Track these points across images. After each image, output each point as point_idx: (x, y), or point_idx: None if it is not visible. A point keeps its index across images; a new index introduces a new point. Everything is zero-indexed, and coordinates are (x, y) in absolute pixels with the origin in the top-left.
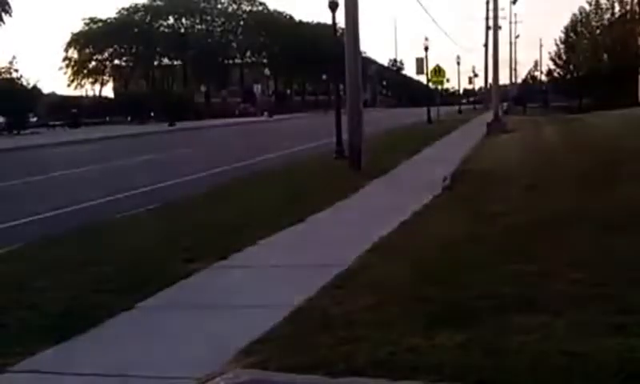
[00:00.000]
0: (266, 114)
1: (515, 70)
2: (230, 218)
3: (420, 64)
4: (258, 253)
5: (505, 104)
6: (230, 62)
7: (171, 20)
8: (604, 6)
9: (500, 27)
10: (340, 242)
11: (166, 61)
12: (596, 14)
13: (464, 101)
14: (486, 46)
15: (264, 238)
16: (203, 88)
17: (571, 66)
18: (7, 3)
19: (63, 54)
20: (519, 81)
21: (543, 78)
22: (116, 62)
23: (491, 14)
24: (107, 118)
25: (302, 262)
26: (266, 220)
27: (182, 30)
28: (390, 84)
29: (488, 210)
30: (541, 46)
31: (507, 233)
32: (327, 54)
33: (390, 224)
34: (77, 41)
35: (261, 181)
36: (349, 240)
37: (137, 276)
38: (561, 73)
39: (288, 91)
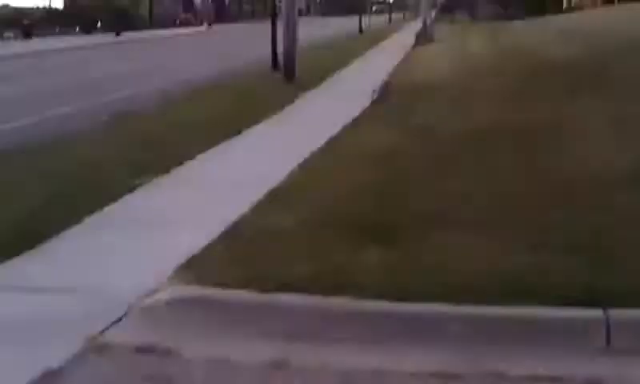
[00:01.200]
0: (205, 24)
1: None
2: (169, 132)
3: None
4: (197, 167)
5: (433, 13)
6: None
7: None
8: None
9: None
10: (272, 158)
11: None
12: None
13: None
14: None
15: (202, 152)
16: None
17: None
18: None
19: None
20: None
21: None
22: None
23: None
24: (57, 29)
25: (236, 178)
26: (204, 134)
27: None
28: None
29: (412, 122)
30: None
31: (429, 147)
32: None
33: (321, 138)
34: None
35: (201, 95)
36: (282, 155)
37: None
38: None
39: (227, 1)
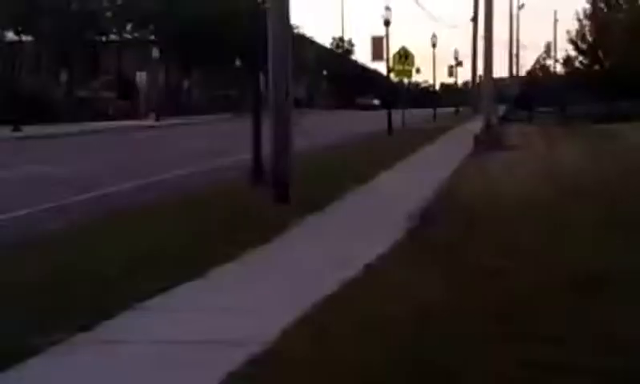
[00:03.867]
0: (152, 115)
1: (517, 57)
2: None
3: (377, 45)
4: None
5: (502, 107)
6: (104, 39)
7: None
8: None
9: None
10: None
11: (11, 36)
12: None
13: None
14: (474, 20)
15: None
16: (64, 77)
17: (600, 53)
18: None
19: None
20: (523, 73)
21: (559, 69)
22: None
23: None
24: None
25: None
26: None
27: None
28: (334, 75)
29: (476, 269)
30: (556, 21)
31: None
32: (244, 31)
33: (313, 302)
34: None
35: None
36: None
37: None
38: (585, 62)
39: (186, 84)
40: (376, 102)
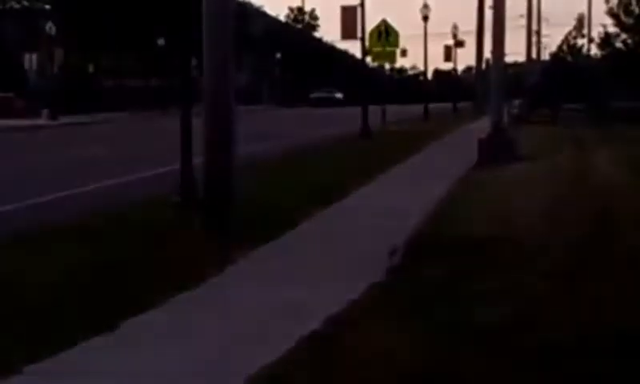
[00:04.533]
0: (45, 113)
1: (539, 35)
2: None
3: (349, 18)
4: None
5: (517, 102)
6: None
7: None
8: None
9: None
10: None
11: None
12: None
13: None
14: None
15: None
16: None
17: None
18: None
19: None
20: (546, 57)
21: (594, 51)
22: None
23: None
24: None
25: None
26: None
27: None
28: (291, 60)
29: (472, 325)
30: None
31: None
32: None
33: None
34: None
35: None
36: None
37: None
38: (629, 42)
39: (91, 69)
40: (338, 95)
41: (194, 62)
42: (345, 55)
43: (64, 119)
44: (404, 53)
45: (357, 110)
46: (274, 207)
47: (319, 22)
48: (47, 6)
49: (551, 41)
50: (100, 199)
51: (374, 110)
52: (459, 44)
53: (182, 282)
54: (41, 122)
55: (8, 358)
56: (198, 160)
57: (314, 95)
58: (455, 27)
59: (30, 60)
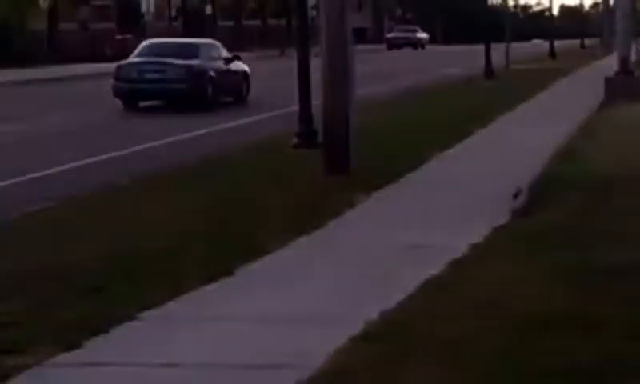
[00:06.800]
0: None
1: None
2: None
3: None
4: None
5: None
6: None
7: None
8: None
9: None
10: None
11: None
12: None
13: None
14: None
15: None
16: (44, 3)
17: None
18: None
19: None
20: None
21: None
22: None
23: None
24: None
25: None
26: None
27: None
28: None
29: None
30: None
31: None
32: None
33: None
34: None
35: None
36: None
37: None
38: None
39: (209, 9)
40: (421, 34)
41: (311, 1)
42: None
43: None
44: None
45: (463, 50)
46: (393, 147)
47: None
48: None
49: None
50: (223, 139)
51: (498, 48)
52: None
53: (301, 225)
54: None
55: (125, 303)
56: (316, 102)
57: (391, 35)
58: None
59: (148, 3)
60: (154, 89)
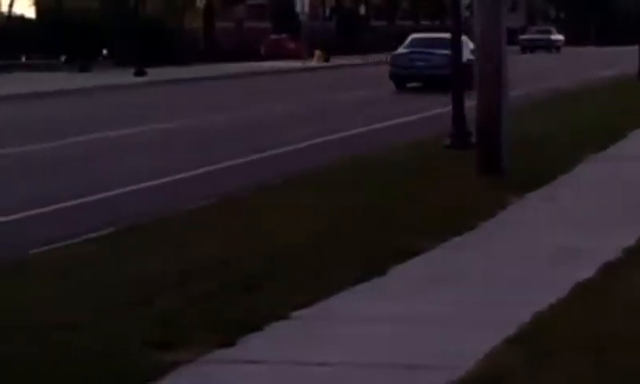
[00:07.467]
0: (317, 54)
1: None
2: None
3: None
4: None
5: None
6: None
7: None
8: None
9: None
10: None
11: None
12: None
13: None
14: None
15: None
16: (200, 2)
17: None
18: None
19: None
20: None
21: None
22: None
23: None
24: (23, 58)
25: None
26: None
27: None
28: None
29: None
30: None
31: None
32: None
33: None
34: None
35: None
36: None
37: None
38: None
39: (362, 11)
40: (556, 36)
41: (465, 1)
42: None
43: (336, 60)
44: None
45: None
46: (550, 150)
47: None
48: None
49: None
50: (369, 140)
51: None
52: None
53: (453, 226)
54: (312, 64)
55: (278, 301)
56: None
57: (524, 36)
58: None
59: (302, 3)
60: (421, 74)
